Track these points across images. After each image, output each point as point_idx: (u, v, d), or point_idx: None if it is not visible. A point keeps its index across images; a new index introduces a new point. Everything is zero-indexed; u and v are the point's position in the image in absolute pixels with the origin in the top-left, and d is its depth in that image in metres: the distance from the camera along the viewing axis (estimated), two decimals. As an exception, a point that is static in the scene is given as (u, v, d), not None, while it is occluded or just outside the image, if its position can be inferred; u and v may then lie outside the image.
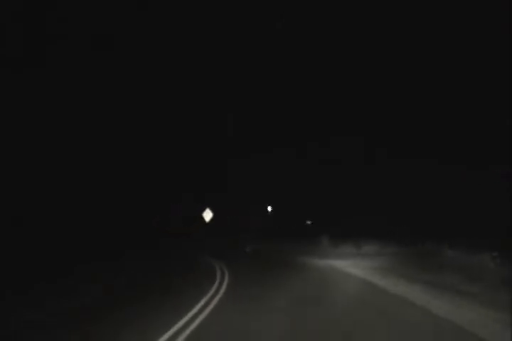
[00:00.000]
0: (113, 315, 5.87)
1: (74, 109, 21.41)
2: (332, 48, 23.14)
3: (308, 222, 30.40)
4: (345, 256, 17.85)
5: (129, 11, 21.74)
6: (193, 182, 27.90)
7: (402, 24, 20.05)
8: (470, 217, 17.11)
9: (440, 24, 18.78)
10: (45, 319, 5.73)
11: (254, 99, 25.95)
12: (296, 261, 17.10)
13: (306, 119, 25.35)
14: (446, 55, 19.24)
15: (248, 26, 23.61)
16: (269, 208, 31.05)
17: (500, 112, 16.07)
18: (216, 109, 26.86)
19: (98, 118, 23.14)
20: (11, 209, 16.23)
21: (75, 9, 19.47)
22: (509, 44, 14.19)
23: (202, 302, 6.66)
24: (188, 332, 5.00)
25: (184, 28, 24.23)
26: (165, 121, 26.95)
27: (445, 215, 19.21)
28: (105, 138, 24.24)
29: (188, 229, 25.56)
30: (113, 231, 20.61)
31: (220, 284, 8.71)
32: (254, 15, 23.03)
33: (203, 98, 26.42)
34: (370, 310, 6.45)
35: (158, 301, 6.81)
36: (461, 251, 11.99)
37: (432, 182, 19.75)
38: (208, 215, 24.60)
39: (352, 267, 13.30)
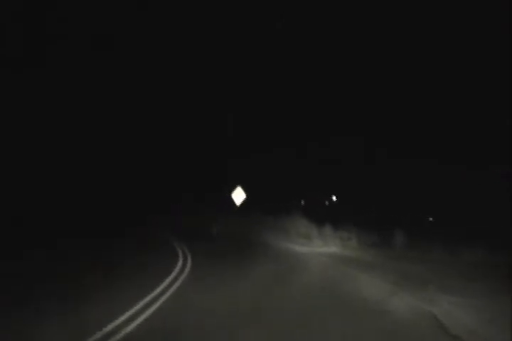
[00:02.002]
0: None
1: (74, 108, 21.42)
2: (332, 48, 23.15)
3: (431, 219, 21.70)
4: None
5: (129, 11, 21.75)
6: (193, 182, 27.89)
7: (402, 24, 20.07)
8: (470, 216, 17.11)
9: (440, 24, 18.80)
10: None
11: (254, 99, 25.95)
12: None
13: (306, 119, 25.36)
14: (446, 55, 19.26)
15: (248, 26, 23.61)
16: (334, 198, 28.00)
17: (500, 112, 16.09)
18: (216, 109, 26.86)
19: (98, 118, 23.17)
20: (10, 209, 16.21)
21: (75, 9, 19.48)
22: (509, 44, 14.20)
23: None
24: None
25: (184, 28, 24.24)
26: (165, 121, 26.97)
27: (445, 215, 19.21)
28: (105, 138, 24.26)
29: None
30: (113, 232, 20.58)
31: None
32: (254, 15, 23.04)
33: (203, 98, 26.43)
34: None
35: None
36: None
37: (432, 183, 19.76)
38: (239, 196, 18.00)
39: None
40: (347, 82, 23.35)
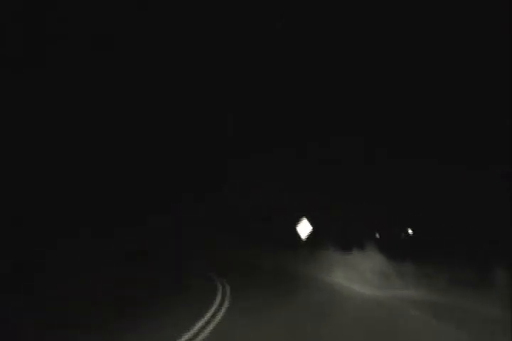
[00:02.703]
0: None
1: (74, 108, 21.43)
2: (332, 48, 23.12)
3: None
4: None
5: (129, 11, 21.74)
6: (193, 182, 27.89)
7: (402, 24, 20.05)
8: (470, 217, 17.09)
9: (440, 24, 18.78)
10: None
11: (254, 99, 25.94)
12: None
13: (306, 119, 25.34)
14: (446, 54, 19.24)
15: (248, 26, 23.60)
16: (410, 231, 24.52)
17: (500, 112, 16.07)
18: (216, 109, 26.85)
19: (98, 119, 23.17)
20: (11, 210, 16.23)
21: (75, 9, 19.47)
22: (509, 44, 14.19)
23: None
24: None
25: (184, 28, 24.23)
26: (165, 121, 26.96)
27: (445, 215, 19.20)
28: (105, 138, 24.26)
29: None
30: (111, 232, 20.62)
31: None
32: (254, 15, 23.02)
33: (203, 98, 26.42)
34: None
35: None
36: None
37: (432, 182, 19.74)
38: (304, 229, 17.43)
39: None
40: (347, 81, 23.34)
